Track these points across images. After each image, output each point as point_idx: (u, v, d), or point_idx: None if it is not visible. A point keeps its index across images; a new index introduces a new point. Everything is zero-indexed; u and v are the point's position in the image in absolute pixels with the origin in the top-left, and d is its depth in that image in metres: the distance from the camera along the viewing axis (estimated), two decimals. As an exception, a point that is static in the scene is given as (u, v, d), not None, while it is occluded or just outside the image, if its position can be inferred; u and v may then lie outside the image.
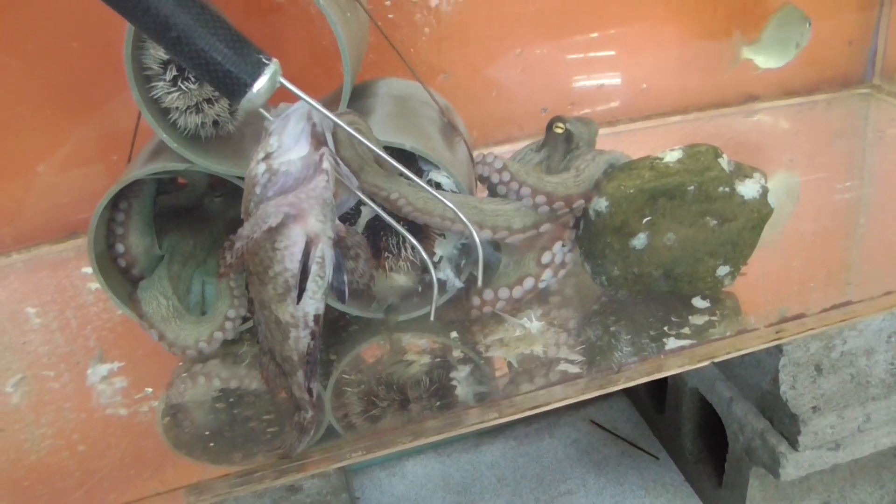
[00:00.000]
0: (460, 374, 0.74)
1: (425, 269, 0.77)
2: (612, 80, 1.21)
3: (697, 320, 0.77)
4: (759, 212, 0.76)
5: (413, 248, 0.75)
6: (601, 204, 0.75)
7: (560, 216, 0.76)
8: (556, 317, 0.80)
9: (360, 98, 0.85)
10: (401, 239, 0.77)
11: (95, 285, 0.89)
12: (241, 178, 0.65)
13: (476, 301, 0.78)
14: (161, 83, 0.70)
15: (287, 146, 0.59)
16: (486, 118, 1.16)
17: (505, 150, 1.13)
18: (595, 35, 1.17)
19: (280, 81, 0.61)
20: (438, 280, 0.74)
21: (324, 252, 0.60)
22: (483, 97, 1.15)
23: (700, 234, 0.76)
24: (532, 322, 0.78)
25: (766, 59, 1.17)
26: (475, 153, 0.82)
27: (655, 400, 1.13)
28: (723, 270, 0.78)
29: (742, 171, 0.77)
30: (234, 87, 0.60)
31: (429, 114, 0.84)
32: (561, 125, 0.80)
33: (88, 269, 0.87)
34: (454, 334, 0.79)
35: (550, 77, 1.17)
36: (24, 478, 0.67)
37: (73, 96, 0.99)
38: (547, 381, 0.72)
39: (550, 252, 0.77)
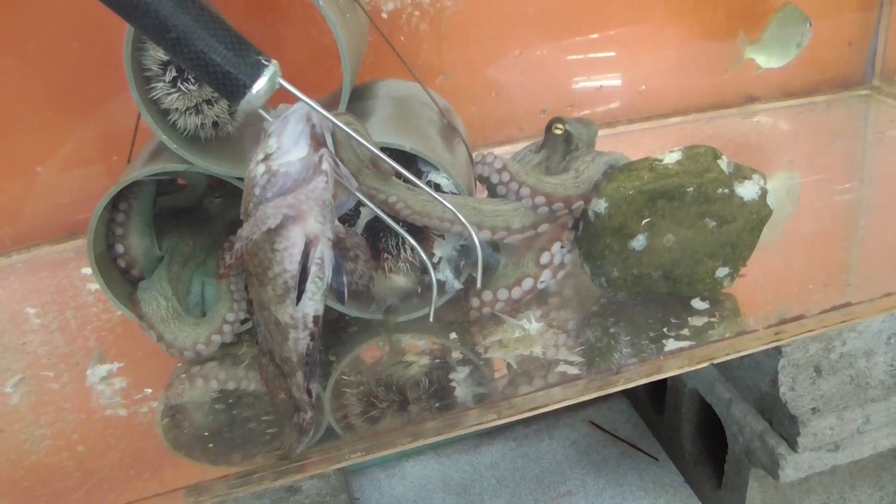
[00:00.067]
0: (459, 376, 0.74)
1: (424, 271, 0.77)
2: (612, 81, 1.21)
3: (697, 322, 0.77)
4: (759, 213, 0.76)
5: (412, 249, 0.75)
6: (600, 205, 0.75)
7: (559, 217, 0.76)
8: (556, 318, 0.80)
9: (359, 99, 0.85)
10: (400, 240, 0.77)
11: (95, 286, 0.89)
12: (241, 180, 0.65)
13: (475, 302, 0.78)
14: (161, 84, 0.70)
15: (286, 147, 0.59)
16: (485, 119, 1.16)
17: (504, 151, 1.13)
18: (595, 36, 1.17)
19: (279, 83, 0.61)
20: (438, 281, 0.74)
21: (323, 253, 0.60)
22: (483, 98, 1.15)
23: (699, 235, 0.76)
24: (531, 323, 0.78)
25: (767, 59, 1.17)
26: (474, 154, 0.83)
27: (655, 401, 1.13)
28: (722, 272, 0.78)
29: (741, 173, 0.77)
30: (233, 89, 0.60)
31: (428, 115, 0.84)
32: (560, 126, 0.80)
33: (88, 270, 0.87)
34: (453, 335, 0.79)
35: (550, 78, 1.17)
36: (24, 478, 0.67)
37: (73, 96, 0.99)
38: (546, 382, 0.72)
39: (549, 253, 0.77)
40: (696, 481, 1.06)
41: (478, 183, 0.79)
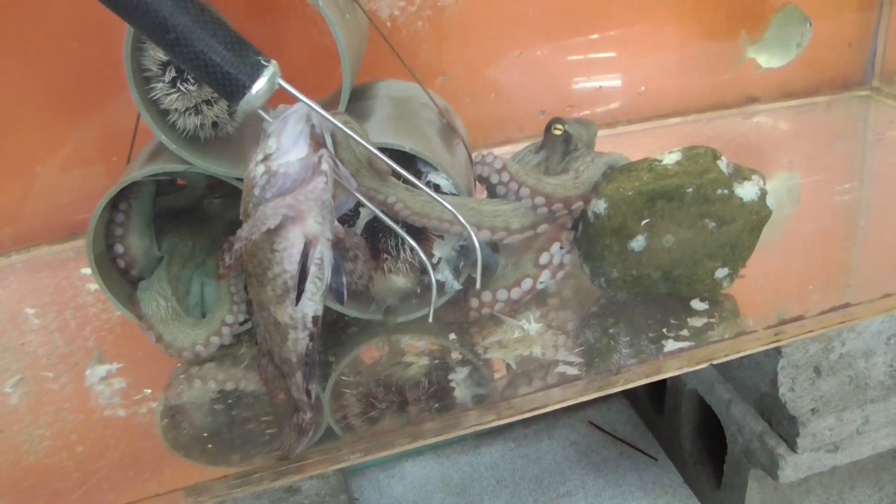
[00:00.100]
0: (459, 376, 0.74)
1: (424, 271, 0.77)
2: (612, 81, 1.21)
3: (696, 322, 0.77)
4: (758, 214, 0.76)
5: (412, 249, 0.75)
6: (600, 206, 0.75)
7: (558, 218, 0.76)
8: (555, 318, 0.80)
9: (359, 100, 0.85)
10: (399, 240, 0.77)
11: (95, 286, 0.89)
12: (240, 180, 0.65)
13: (474, 302, 0.78)
14: (160, 84, 0.70)
15: (286, 148, 0.59)
16: (485, 119, 1.16)
17: (504, 152, 1.13)
18: (595, 37, 1.17)
19: (279, 83, 0.61)
20: (437, 282, 0.74)
21: (322, 253, 0.60)
22: (482, 98, 1.15)
23: (699, 236, 0.76)
24: (531, 324, 0.78)
25: (768, 59, 1.17)
26: (474, 154, 0.83)
27: (654, 402, 1.13)
28: (721, 272, 0.78)
29: (741, 173, 0.77)
30: (232, 89, 0.60)
31: (428, 115, 0.84)
32: (559, 127, 0.80)
33: (88, 270, 0.86)
34: (453, 336, 0.79)
35: (550, 78, 1.17)
36: (23, 479, 0.67)
37: (73, 96, 0.99)
38: (545, 382, 0.72)
39: (548, 253, 0.77)
40: (695, 482, 1.06)
41: (477, 183, 0.79)
